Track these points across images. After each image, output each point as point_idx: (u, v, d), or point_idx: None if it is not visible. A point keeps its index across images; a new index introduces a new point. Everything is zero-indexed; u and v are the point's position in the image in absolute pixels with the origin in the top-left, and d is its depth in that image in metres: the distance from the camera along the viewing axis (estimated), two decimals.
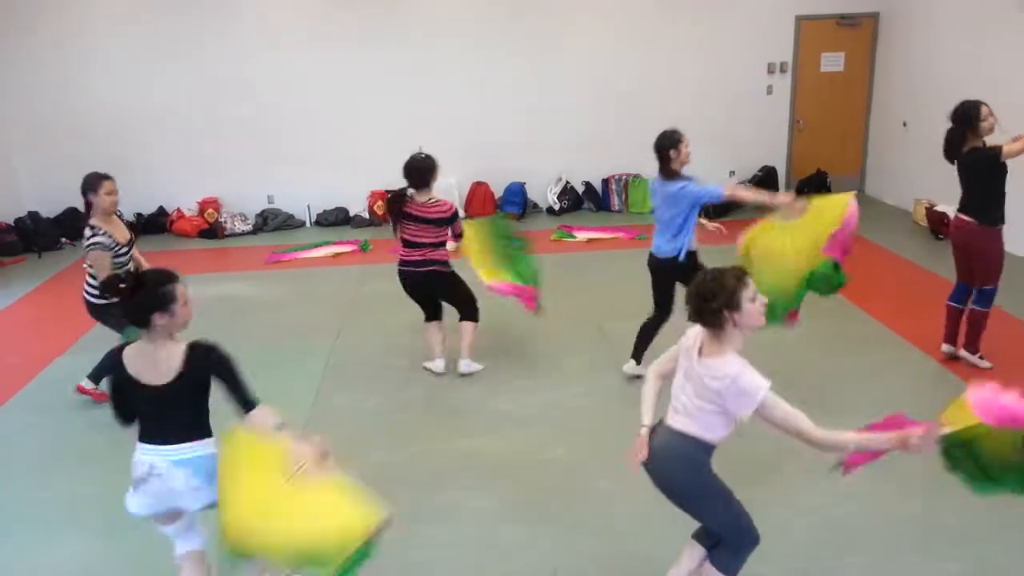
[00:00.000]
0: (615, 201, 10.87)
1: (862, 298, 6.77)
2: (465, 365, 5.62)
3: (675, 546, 3.17)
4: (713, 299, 2.73)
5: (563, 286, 7.61)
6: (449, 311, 5.71)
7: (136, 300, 2.82)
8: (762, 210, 4.85)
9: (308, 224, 10.76)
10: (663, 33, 10.50)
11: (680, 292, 4.87)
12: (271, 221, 10.54)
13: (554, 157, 10.75)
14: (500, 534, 3.86)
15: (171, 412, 2.92)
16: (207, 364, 2.91)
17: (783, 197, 4.84)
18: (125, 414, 2.98)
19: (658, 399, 3.09)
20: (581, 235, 9.53)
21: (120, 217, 5.37)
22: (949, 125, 5.13)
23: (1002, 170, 4.99)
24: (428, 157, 5.39)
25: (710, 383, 2.76)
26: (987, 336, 5.38)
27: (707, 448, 2.88)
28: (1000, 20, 8.10)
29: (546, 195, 10.86)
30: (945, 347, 5.54)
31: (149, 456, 2.93)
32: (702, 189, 4.90)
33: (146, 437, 2.95)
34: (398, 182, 5.46)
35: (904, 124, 10.08)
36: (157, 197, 10.42)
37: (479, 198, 10.57)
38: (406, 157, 5.44)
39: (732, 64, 10.64)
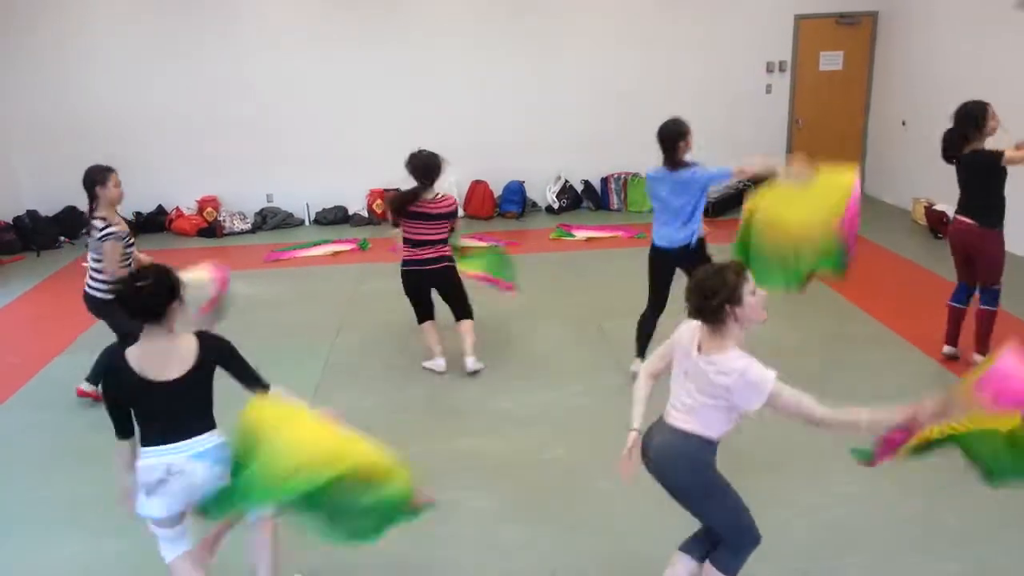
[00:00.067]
0: (614, 200, 10.88)
1: (861, 298, 6.78)
2: (473, 362, 5.61)
3: (675, 546, 3.17)
4: (714, 295, 2.71)
5: (562, 285, 7.63)
6: (441, 311, 5.73)
7: (156, 291, 2.84)
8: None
9: (307, 223, 10.76)
10: (663, 33, 10.51)
11: (675, 286, 4.94)
12: (270, 220, 10.54)
13: (553, 156, 10.75)
14: (500, 534, 3.87)
15: (186, 405, 2.93)
16: (219, 352, 2.99)
17: (795, 163, 4.69)
18: (125, 422, 2.93)
19: (649, 400, 3.07)
20: (580, 234, 9.53)
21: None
22: (950, 124, 5.13)
23: (1003, 172, 5.00)
24: (434, 154, 5.38)
25: (717, 379, 2.73)
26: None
27: (711, 445, 2.87)
28: (1000, 20, 8.10)
29: (545, 194, 10.87)
30: (946, 348, 5.54)
31: (164, 457, 2.89)
32: (713, 171, 4.94)
33: (157, 438, 2.90)
34: (397, 181, 5.46)
35: (903, 123, 10.08)
36: (156, 196, 10.42)
37: (478, 197, 10.58)
38: (405, 156, 5.43)
39: (731, 63, 10.65)
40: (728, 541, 2.99)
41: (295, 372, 5.76)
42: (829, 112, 10.98)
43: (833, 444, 4.50)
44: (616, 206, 10.87)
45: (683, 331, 2.94)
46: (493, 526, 3.93)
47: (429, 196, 5.38)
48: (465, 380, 5.58)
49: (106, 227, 4.83)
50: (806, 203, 4.43)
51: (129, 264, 4.89)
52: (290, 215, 10.69)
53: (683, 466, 2.89)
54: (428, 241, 5.45)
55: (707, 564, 3.02)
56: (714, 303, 2.71)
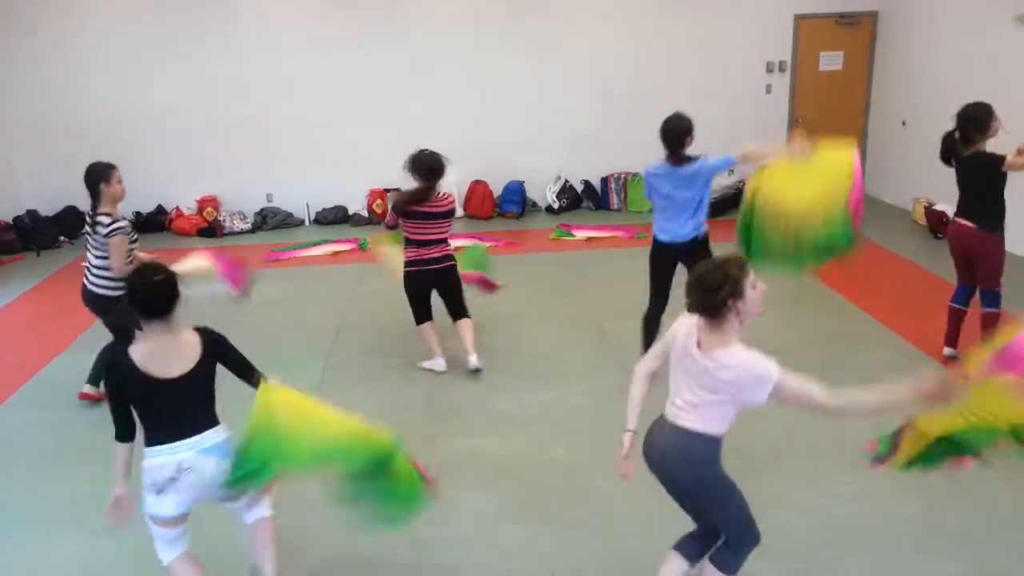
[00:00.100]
0: (614, 200, 10.88)
1: (861, 297, 6.78)
2: (476, 359, 5.62)
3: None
4: (718, 290, 2.68)
5: (562, 285, 7.63)
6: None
7: (169, 287, 2.88)
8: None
9: (307, 222, 10.77)
10: (663, 33, 10.51)
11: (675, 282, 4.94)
12: (270, 219, 10.54)
13: (553, 156, 10.76)
14: (500, 534, 3.87)
15: (192, 401, 2.95)
16: (218, 346, 3.03)
17: (795, 139, 4.55)
18: (127, 423, 2.92)
19: (645, 401, 3.05)
20: (580, 234, 9.53)
21: None
22: (950, 125, 5.12)
23: (1003, 176, 5.00)
24: (436, 154, 5.39)
25: (721, 375, 2.70)
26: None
27: (717, 443, 2.84)
28: (999, 20, 8.10)
29: (545, 194, 10.87)
30: (947, 350, 5.53)
31: (173, 455, 2.89)
32: (718, 160, 4.94)
33: (165, 436, 2.90)
34: (397, 181, 5.47)
35: (903, 123, 10.08)
36: (156, 196, 10.42)
37: (478, 197, 10.58)
38: (406, 157, 5.43)
39: (731, 63, 10.65)
40: (730, 540, 2.98)
41: (295, 372, 5.74)
42: (829, 112, 10.98)
43: (833, 444, 4.52)
44: (616, 206, 10.87)
45: (679, 328, 2.90)
46: (493, 526, 3.93)
47: (432, 195, 5.39)
48: (465, 380, 5.58)
49: (113, 222, 4.85)
50: (808, 180, 4.30)
51: (131, 261, 4.90)
52: (290, 215, 10.69)
53: (691, 466, 2.86)
54: (434, 240, 5.46)
55: (707, 564, 3.02)
56: (718, 298, 2.68)
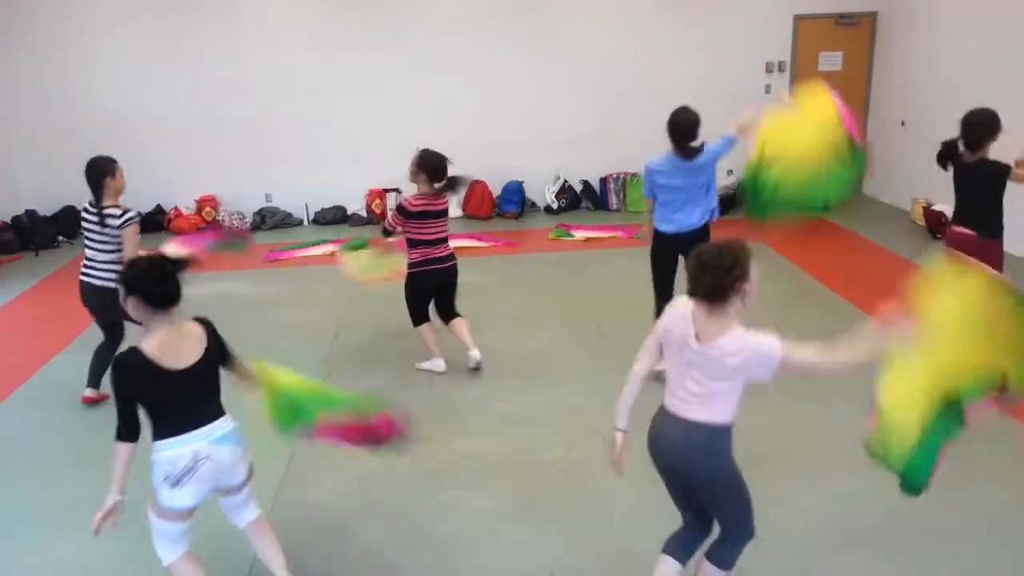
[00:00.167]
0: (613, 200, 10.89)
1: (860, 298, 6.78)
2: (478, 354, 5.62)
3: None
4: (729, 271, 2.64)
5: (561, 285, 7.63)
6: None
7: (177, 277, 2.91)
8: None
9: (306, 222, 10.77)
10: (663, 33, 10.52)
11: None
12: (269, 219, 10.54)
13: (552, 156, 10.76)
14: (499, 534, 3.87)
15: (203, 391, 2.99)
16: (216, 334, 3.07)
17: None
18: (136, 421, 2.90)
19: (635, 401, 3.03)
20: (579, 234, 9.54)
21: None
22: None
23: (1005, 183, 5.00)
24: (441, 154, 5.41)
25: (728, 362, 2.68)
26: None
27: (729, 432, 2.82)
28: (999, 20, 8.11)
29: (544, 194, 10.87)
30: None
31: (188, 446, 2.91)
32: (720, 144, 5.03)
33: (177, 428, 2.91)
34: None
35: (902, 123, 10.09)
36: (155, 195, 10.42)
37: (477, 197, 10.58)
38: (405, 156, 5.43)
39: (731, 64, 10.65)
40: (729, 533, 2.97)
41: (294, 373, 5.76)
42: None
43: (833, 443, 4.53)
44: (615, 206, 10.88)
45: (672, 321, 2.84)
46: (492, 526, 3.93)
47: (434, 193, 5.40)
48: (464, 381, 5.58)
49: (125, 212, 4.89)
50: (804, 122, 4.43)
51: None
52: (289, 215, 10.69)
53: (709, 458, 2.83)
54: (440, 239, 5.46)
55: (704, 563, 3.01)
56: (728, 279, 2.64)
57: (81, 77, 10.00)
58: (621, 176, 10.84)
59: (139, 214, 5.06)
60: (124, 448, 2.88)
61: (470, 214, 10.66)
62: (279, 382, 3.28)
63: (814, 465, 4.34)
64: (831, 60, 10.84)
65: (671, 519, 3.13)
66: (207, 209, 10.22)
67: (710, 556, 3.00)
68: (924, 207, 9.02)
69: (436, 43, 10.30)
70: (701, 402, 2.78)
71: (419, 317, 5.66)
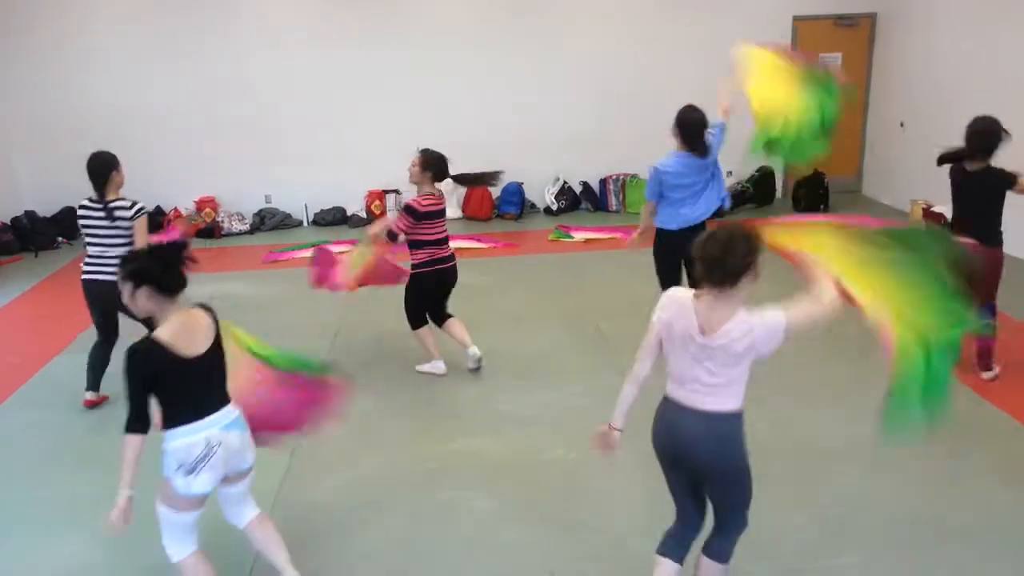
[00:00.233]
0: (612, 201, 10.89)
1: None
2: (478, 351, 5.63)
3: None
4: (747, 254, 2.63)
5: (560, 286, 7.63)
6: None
7: (182, 264, 2.92)
8: None
9: (305, 224, 10.77)
10: (663, 33, 10.52)
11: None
12: (268, 221, 10.55)
13: (552, 157, 10.76)
14: (499, 534, 3.87)
15: (214, 378, 3.02)
16: (218, 323, 3.09)
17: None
18: (147, 413, 2.86)
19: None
20: (579, 235, 9.54)
21: None
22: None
23: (1005, 193, 5.02)
24: (440, 152, 5.41)
25: (738, 347, 2.67)
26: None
27: (742, 419, 2.83)
28: (998, 20, 8.12)
29: (544, 195, 10.88)
30: None
31: (200, 433, 2.92)
32: (717, 132, 5.23)
33: (189, 415, 2.92)
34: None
35: (901, 124, 10.10)
36: (155, 196, 10.40)
37: (477, 198, 10.59)
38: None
39: (731, 64, 10.63)
40: (726, 525, 2.97)
41: None
42: None
43: (831, 443, 4.54)
44: (615, 207, 10.88)
45: (671, 315, 2.79)
46: (492, 526, 3.94)
47: (437, 193, 5.40)
48: (464, 381, 5.59)
49: (134, 204, 4.92)
50: (773, 76, 4.99)
51: None
52: (288, 216, 10.69)
53: (729, 447, 2.83)
54: (445, 238, 5.46)
55: (704, 560, 3.00)
56: (746, 261, 2.63)
57: (81, 77, 10.00)
58: (621, 177, 10.84)
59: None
60: (136, 440, 2.83)
61: (470, 215, 10.66)
62: (241, 337, 3.57)
63: (813, 465, 4.35)
64: (830, 61, 10.83)
65: (671, 519, 3.13)
66: (207, 210, 10.22)
67: (709, 553, 3.00)
68: (924, 208, 9.03)
69: (436, 43, 10.31)
70: (716, 391, 2.77)
71: (421, 318, 5.62)
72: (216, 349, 3.01)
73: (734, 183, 10.26)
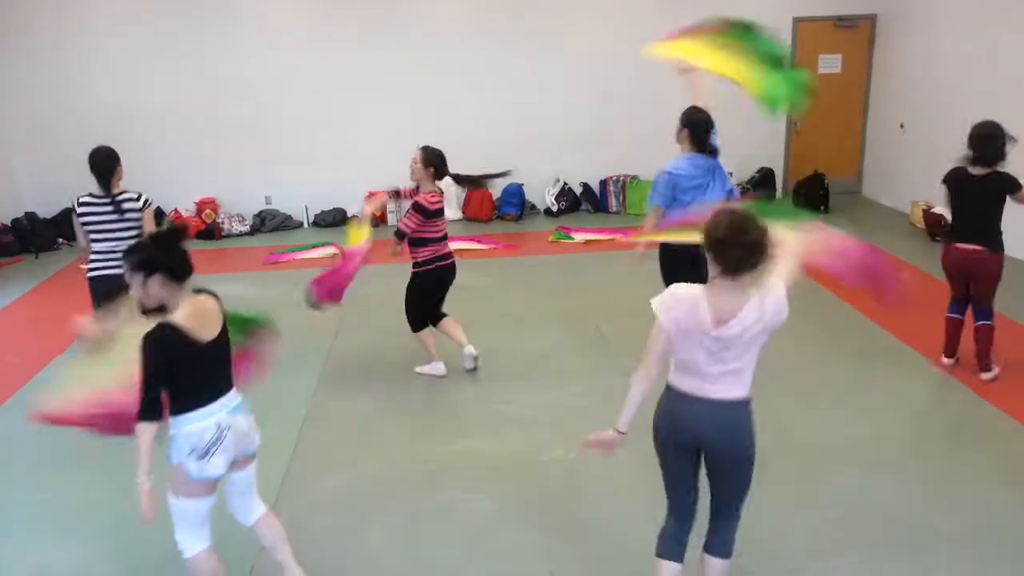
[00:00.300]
0: (613, 203, 10.89)
1: (858, 300, 6.78)
2: (475, 350, 5.62)
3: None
4: (766, 237, 2.60)
5: (560, 287, 7.64)
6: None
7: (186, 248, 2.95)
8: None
9: (306, 225, 10.76)
10: (663, 33, 10.47)
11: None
12: (269, 222, 10.54)
13: (552, 157, 10.75)
14: (498, 535, 3.87)
15: (223, 362, 3.04)
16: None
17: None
18: (160, 399, 2.83)
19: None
20: (579, 236, 9.54)
21: None
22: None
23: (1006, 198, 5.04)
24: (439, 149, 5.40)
25: (754, 331, 2.68)
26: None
27: (751, 405, 2.83)
28: (998, 20, 8.12)
29: (544, 196, 10.88)
30: (946, 360, 5.52)
31: (211, 417, 2.94)
32: (713, 129, 5.26)
33: (201, 400, 2.93)
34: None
35: (901, 126, 10.10)
36: (155, 197, 10.21)
37: (477, 199, 10.58)
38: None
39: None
40: (731, 518, 2.96)
41: (294, 374, 5.76)
42: (827, 115, 10.99)
43: (831, 444, 4.53)
44: (615, 208, 10.88)
45: (679, 314, 2.73)
46: (492, 527, 3.94)
47: (438, 190, 5.39)
48: (464, 382, 5.59)
49: (140, 195, 4.93)
50: (722, 52, 5.23)
51: None
52: (289, 217, 10.69)
53: (742, 435, 2.83)
54: (445, 236, 5.45)
55: (710, 559, 2.98)
56: (770, 245, 2.62)
57: (81, 77, 10.00)
58: (621, 178, 10.84)
59: None
60: (151, 428, 2.79)
61: (470, 216, 10.66)
62: None
63: (813, 465, 4.35)
64: (830, 62, 10.85)
65: None
66: (207, 211, 10.21)
67: (714, 551, 2.99)
68: (924, 210, 9.03)
69: (436, 43, 10.30)
70: (736, 378, 2.77)
71: (424, 318, 5.57)
72: (224, 334, 3.02)
73: (736, 183, 10.24)
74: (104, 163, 4.90)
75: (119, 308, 3.49)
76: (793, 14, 10.60)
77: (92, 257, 4.97)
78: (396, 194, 5.68)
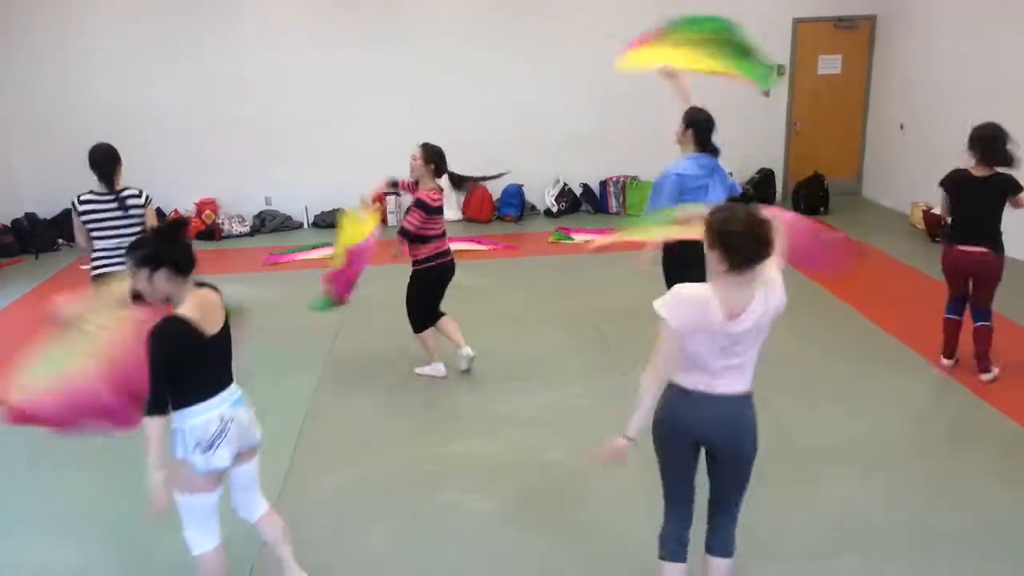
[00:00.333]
0: (613, 203, 10.89)
1: (859, 301, 6.79)
2: (471, 351, 5.61)
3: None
4: (771, 241, 2.61)
5: (560, 288, 7.64)
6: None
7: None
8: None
9: (306, 225, 10.76)
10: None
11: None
12: (268, 223, 10.54)
13: (552, 157, 10.76)
14: (498, 536, 3.87)
15: (226, 356, 3.04)
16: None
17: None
18: (167, 394, 2.84)
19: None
20: (579, 237, 9.53)
21: None
22: (977, 143, 5.00)
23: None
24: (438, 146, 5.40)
25: (765, 320, 2.70)
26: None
27: (753, 398, 2.84)
28: (998, 21, 8.13)
29: (544, 197, 10.88)
30: (945, 362, 5.52)
31: (214, 411, 2.94)
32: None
33: (205, 394, 2.93)
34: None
35: (901, 126, 10.10)
36: (155, 198, 10.33)
37: (476, 200, 10.58)
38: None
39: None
40: (732, 513, 2.96)
41: (294, 375, 5.77)
42: (827, 115, 11.00)
43: (830, 445, 4.53)
44: (615, 209, 10.88)
45: (687, 315, 2.69)
46: (492, 528, 3.93)
47: (438, 187, 5.38)
48: (463, 383, 5.59)
49: (141, 191, 4.96)
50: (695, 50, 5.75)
51: None
52: (288, 218, 10.69)
53: (749, 429, 2.84)
54: (444, 232, 5.44)
55: (715, 560, 2.98)
56: (773, 235, 2.63)
57: (81, 77, 10.00)
58: (621, 179, 10.84)
59: None
60: (159, 423, 2.79)
61: (470, 217, 10.66)
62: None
63: (813, 465, 4.35)
64: (830, 63, 10.86)
65: None
66: (207, 212, 10.21)
67: (718, 551, 2.98)
68: (924, 211, 9.03)
69: (436, 43, 10.30)
70: (738, 372, 2.77)
71: (423, 320, 5.52)
72: (226, 327, 3.03)
73: (738, 182, 10.23)
74: (105, 160, 4.89)
75: (105, 291, 3.46)
76: (793, 15, 10.60)
77: (95, 255, 4.97)
78: (394, 185, 5.66)
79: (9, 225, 9.81)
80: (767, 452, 4.31)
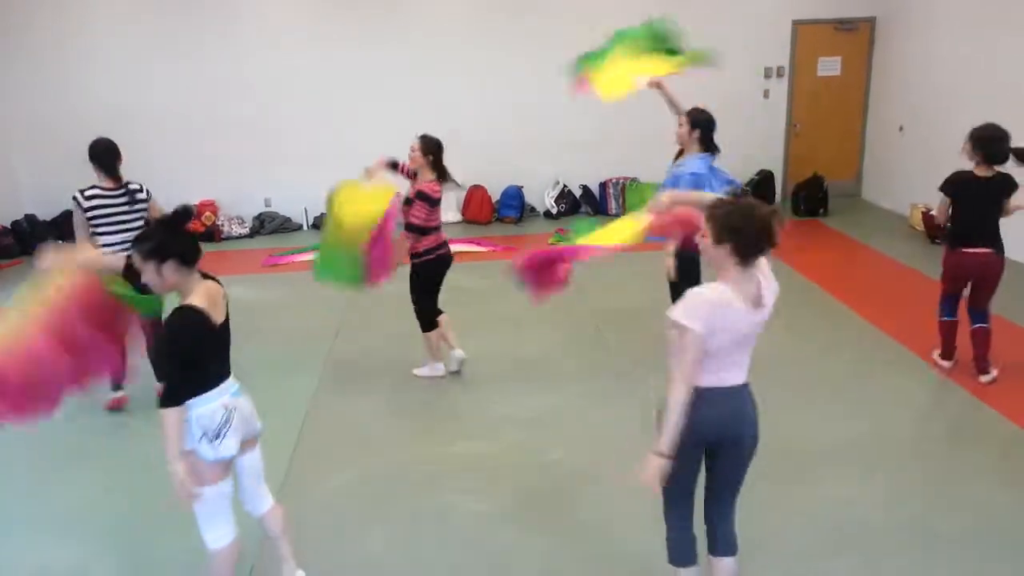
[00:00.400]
0: (612, 205, 10.89)
1: (858, 302, 6.80)
2: (463, 354, 5.60)
3: None
4: (775, 231, 2.61)
5: None
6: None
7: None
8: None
9: (305, 227, 10.76)
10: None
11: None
12: (268, 224, 10.54)
13: (552, 158, 10.76)
14: (498, 536, 3.87)
15: (228, 346, 3.07)
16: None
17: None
18: (181, 387, 2.85)
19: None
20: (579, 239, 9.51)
21: None
22: (980, 144, 4.99)
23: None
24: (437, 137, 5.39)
25: (770, 308, 2.72)
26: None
27: None
28: (997, 23, 8.13)
29: (543, 199, 10.88)
30: (945, 363, 5.52)
31: (217, 400, 2.95)
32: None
33: (211, 383, 2.95)
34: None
35: (901, 128, 10.11)
36: (155, 198, 10.39)
37: (476, 202, 10.59)
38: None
39: (730, 68, 10.64)
40: (733, 507, 2.96)
41: (294, 376, 5.77)
42: (827, 117, 11.01)
43: (829, 446, 4.54)
44: (615, 211, 10.88)
45: (709, 316, 2.60)
46: (491, 528, 3.93)
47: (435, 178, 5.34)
48: (463, 384, 5.59)
49: (143, 186, 5.00)
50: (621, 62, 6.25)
51: None
52: (288, 219, 10.69)
53: (755, 421, 2.84)
54: (441, 224, 5.42)
55: (726, 560, 2.97)
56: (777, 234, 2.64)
57: (81, 77, 10.00)
58: (620, 181, 10.84)
59: None
60: (176, 414, 2.80)
61: (469, 219, 10.67)
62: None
63: (812, 465, 4.35)
64: (830, 65, 10.87)
65: None
66: (207, 214, 10.20)
67: (724, 551, 2.98)
68: (923, 212, 9.03)
69: (436, 43, 10.31)
70: (743, 363, 2.80)
71: (431, 318, 5.47)
72: (228, 318, 3.05)
73: (740, 182, 10.25)
74: (106, 154, 4.91)
75: (85, 249, 3.41)
76: (793, 17, 10.62)
77: (109, 250, 4.94)
78: (393, 165, 5.61)
79: (9, 227, 9.81)
80: (766, 452, 4.32)
